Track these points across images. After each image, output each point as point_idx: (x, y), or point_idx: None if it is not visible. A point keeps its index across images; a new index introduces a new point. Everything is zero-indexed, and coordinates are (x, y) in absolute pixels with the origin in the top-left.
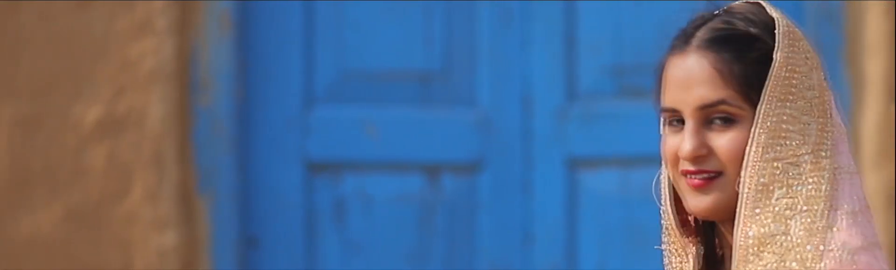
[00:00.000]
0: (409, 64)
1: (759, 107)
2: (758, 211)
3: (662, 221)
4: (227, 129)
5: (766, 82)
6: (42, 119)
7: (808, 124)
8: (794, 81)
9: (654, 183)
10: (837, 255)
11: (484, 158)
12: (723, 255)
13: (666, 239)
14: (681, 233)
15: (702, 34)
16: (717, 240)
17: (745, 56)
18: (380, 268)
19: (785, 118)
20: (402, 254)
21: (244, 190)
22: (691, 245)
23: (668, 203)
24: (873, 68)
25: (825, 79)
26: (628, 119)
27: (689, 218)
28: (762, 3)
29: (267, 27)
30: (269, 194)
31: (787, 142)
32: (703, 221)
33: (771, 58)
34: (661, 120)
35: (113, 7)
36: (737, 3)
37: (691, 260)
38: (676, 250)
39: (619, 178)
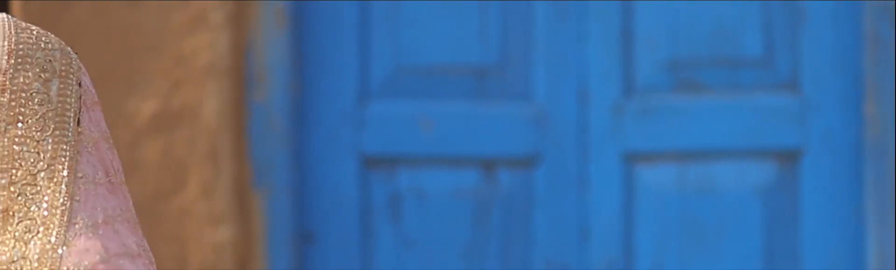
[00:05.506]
0: (465, 58)
1: None
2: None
3: None
4: (282, 124)
5: None
6: None
7: (43, 140)
8: (21, 101)
9: None
10: None
11: (540, 153)
12: None
13: None
14: None
15: None
16: None
17: None
18: (435, 262)
19: (18, 140)
20: (457, 249)
21: (300, 185)
22: None
23: None
24: None
25: (79, 84)
26: (685, 113)
27: None
28: (4, 20)
29: (323, 21)
30: (325, 189)
31: (23, 164)
32: None
33: None
34: None
35: (167, 1)
36: None
37: None
38: None
39: (677, 173)
